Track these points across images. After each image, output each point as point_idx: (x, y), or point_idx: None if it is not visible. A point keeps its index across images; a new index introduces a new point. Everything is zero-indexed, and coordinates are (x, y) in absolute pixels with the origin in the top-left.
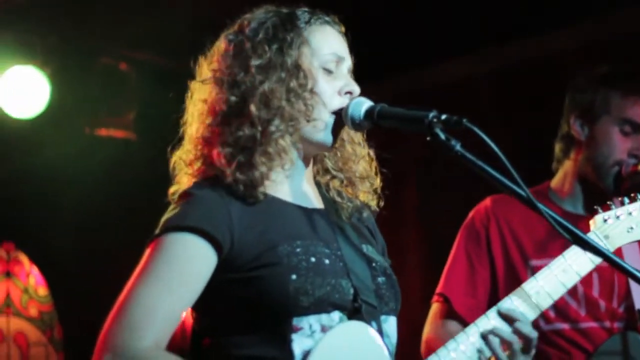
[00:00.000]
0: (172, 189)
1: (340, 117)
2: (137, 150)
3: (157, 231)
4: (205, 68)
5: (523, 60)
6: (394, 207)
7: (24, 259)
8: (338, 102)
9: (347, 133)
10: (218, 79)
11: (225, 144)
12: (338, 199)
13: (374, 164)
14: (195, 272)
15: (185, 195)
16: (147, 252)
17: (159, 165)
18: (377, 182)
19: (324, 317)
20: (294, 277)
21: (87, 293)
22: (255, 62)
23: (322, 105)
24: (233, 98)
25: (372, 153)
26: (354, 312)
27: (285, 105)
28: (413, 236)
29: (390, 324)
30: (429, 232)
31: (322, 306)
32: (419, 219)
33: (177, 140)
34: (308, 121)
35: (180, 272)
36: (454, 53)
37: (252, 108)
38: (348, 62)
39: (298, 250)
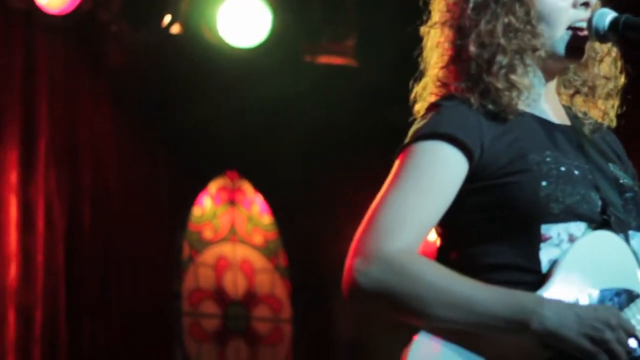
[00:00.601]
0: (416, 108)
1: (578, 31)
2: (358, 76)
3: (406, 140)
4: (436, 7)
5: None
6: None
7: (247, 187)
8: (574, 15)
9: None
10: (444, 22)
11: (461, 81)
12: (581, 116)
13: (620, 63)
14: (447, 179)
15: (434, 106)
16: (397, 162)
17: (381, 91)
18: (622, 81)
19: (571, 226)
20: (544, 183)
21: (311, 221)
22: (471, 1)
23: (554, 26)
24: (458, 41)
25: (616, 50)
26: (601, 224)
27: (503, 42)
28: None
29: (638, 241)
30: None
31: (570, 215)
32: None
33: (418, 74)
34: (535, 50)
35: (432, 179)
36: None
37: (472, 49)
38: None
39: (548, 159)
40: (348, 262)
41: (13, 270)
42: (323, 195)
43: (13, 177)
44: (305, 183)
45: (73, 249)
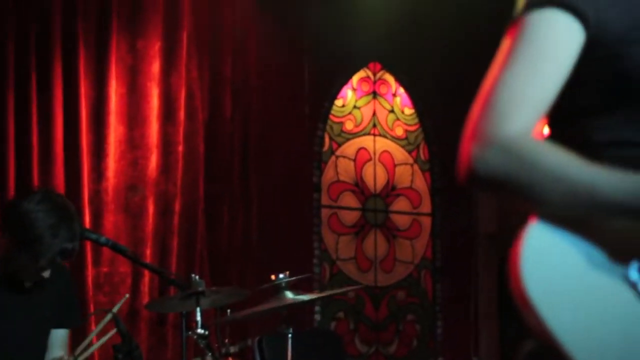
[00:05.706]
0: None
1: None
2: None
3: (517, 12)
4: None
5: None
6: None
7: (390, 79)
8: None
9: None
10: None
11: None
12: None
13: None
14: (564, 51)
15: None
16: (508, 36)
17: None
18: None
19: None
20: None
21: (454, 114)
22: None
23: None
24: None
25: None
26: None
27: None
28: None
29: None
30: None
31: None
32: None
33: None
34: None
35: (547, 51)
36: None
37: None
38: None
39: None
40: (464, 146)
41: (154, 161)
42: (464, 88)
43: (155, 67)
44: (448, 76)
45: (213, 138)
